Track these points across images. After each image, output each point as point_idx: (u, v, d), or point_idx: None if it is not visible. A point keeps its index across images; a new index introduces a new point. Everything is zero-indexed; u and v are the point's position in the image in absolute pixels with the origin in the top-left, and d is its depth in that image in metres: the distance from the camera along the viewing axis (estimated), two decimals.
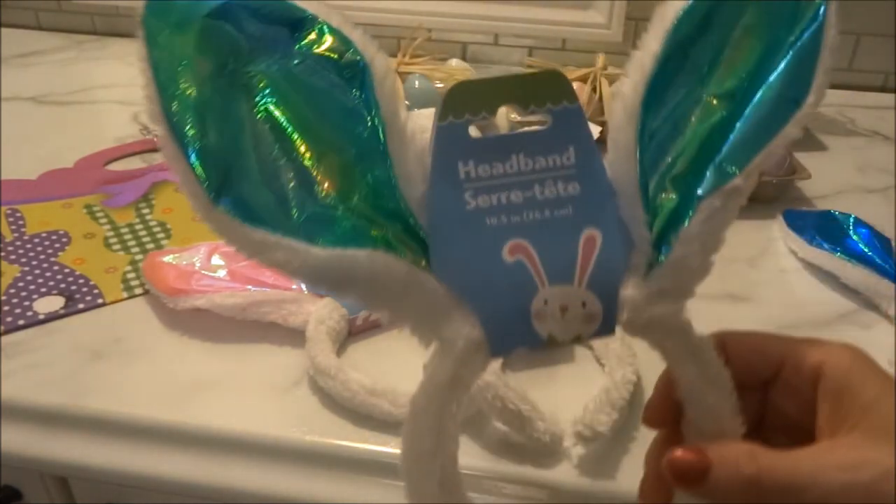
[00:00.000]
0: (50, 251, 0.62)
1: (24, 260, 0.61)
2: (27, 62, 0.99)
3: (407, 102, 0.79)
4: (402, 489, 0.46)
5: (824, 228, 0.62)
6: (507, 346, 0.29)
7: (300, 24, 0.28)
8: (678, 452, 0.27)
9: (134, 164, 0.76)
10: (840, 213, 0.63)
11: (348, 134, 0.29)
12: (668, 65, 0.29)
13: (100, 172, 0.74)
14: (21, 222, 0.66)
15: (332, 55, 0.28)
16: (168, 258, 0.57)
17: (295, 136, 0.28)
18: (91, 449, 0.48)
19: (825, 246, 0.60)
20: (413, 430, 0.30)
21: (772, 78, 0.29)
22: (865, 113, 0.89)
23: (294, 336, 0.52)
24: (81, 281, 0.59)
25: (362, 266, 0.28)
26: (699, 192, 0.29)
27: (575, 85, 0.80)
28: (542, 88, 0.28)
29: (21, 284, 0.58)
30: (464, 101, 0.28)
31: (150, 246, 0.63)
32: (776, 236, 0.66)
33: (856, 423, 0.27)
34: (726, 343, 0.31)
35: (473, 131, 0.29)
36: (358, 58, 0.28)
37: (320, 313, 0.52)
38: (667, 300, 0.30)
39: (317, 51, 0.28)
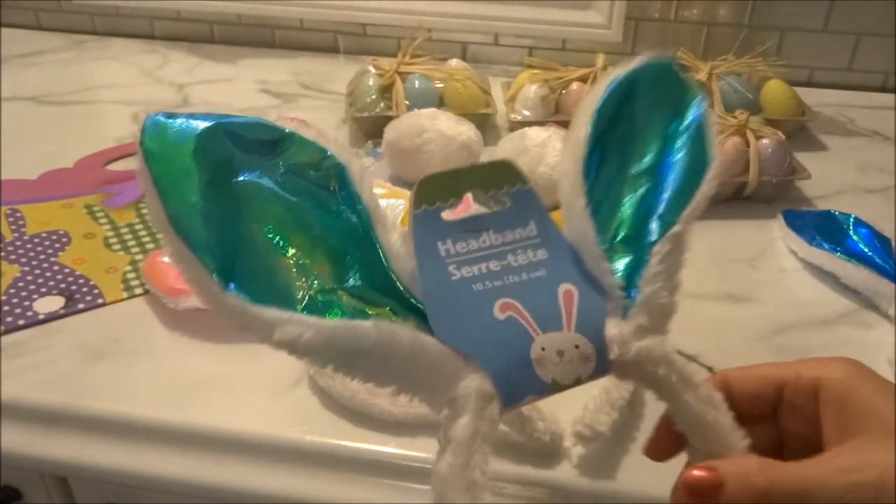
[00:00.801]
0: (50, 251, 0.62)
1: (24, 260, 0.61)
2: (27, 62, 0.99)
3: (407, 102, 0.79)
4: (401, 489, 0.46)
5: (824, 228, 0.62)
6: (518, 396, 0.31)
7: (280, 140, 0.32)
8: (692, 471, 0.29)
9: (134, 164, 0.76)
10: (840, 213, 0.63)
11: (335, 226, 0.32)
12: (596, 146, 0.36)
13: (100, 172, 0.74)
14: (21, 222, 0.66)
15: (311, 162, 0.32)
16: (167, 258, 0.57)
17: (287, 233, 0.32)
18: (91, 449, 0.48)
19: (825, 246, 0.60)
20: (439, 493, 0.30)
21: (678, 156, 0.36)
22: (865, 113, 0.89)
23: None
24: (81, 281, 0.59)
25: (369, 334, 0.30)
26: (650, 239, 0.34)
27: (574, 85, 0.80)
28: (498, 175, 0.33)
29: (21, 284, 0.58)
30: (433, 192, 0.32)
31: (150, 246, 0.63)
32: (776, 236, 0.66)
33: (858, 427, 0.28)
34: (729, 379, 0.33)
35: (447, 215, 0.32)
36: (335, 163, 0.32)
37: None
38: (647, 334, 0.33)
39: (297, 160, 0.32)
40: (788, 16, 0.92)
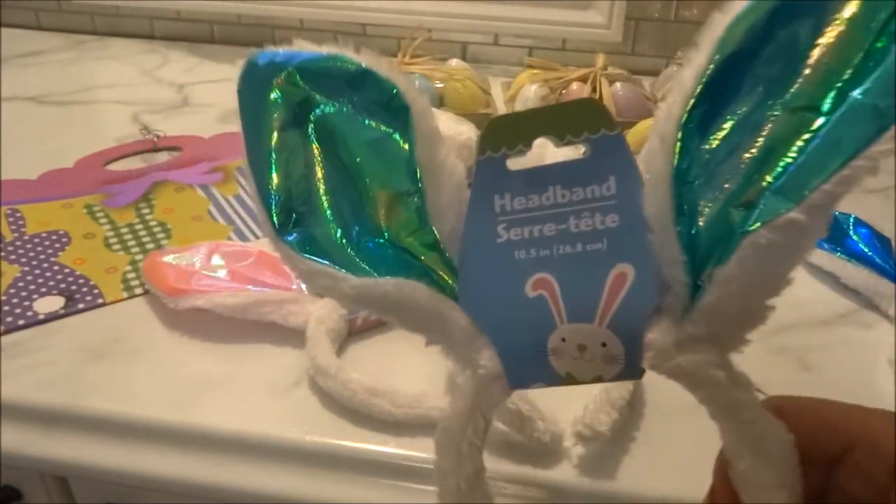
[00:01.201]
0: (50, 251, 0.62)
1: (24, 260, 0.61)
2: (27, 62, 0.99)
3: None
4: (400, 489, 0.46)
5: None
6: (525, 380, 0.29)
7: (356, 76, 0.31)
8: None
9: (134, 164, 0.76)
10: (840, 213, 0.63)
11: (396, 172, 0.31)
12: (722, 81, 0.26)
13: (100, 172, 0.74)
14: (21, 222, 0.66)
15: (382, 101, 0.31)
16: (168, 258, 0.57)
17: (354, 175, 0.32)
18: (91, 449, 0.48)
19: (825, 246, 0.60)
20: (437, 449, 0.32)
21: (858, 90, 0.23)
22: None
23: (294, 336, 0.52)
24: (81, 281, 0.59)
25: (389, 295, 0.30)
26: (747, 225, 0.24)
27: (574, 85, 0.80)
28: (578, 117, 0.27)
29: (21, 284, 0.58)
30: (500, 136, 0.28)
31: (150, 246, 0.63)
32: None
33: None
34: (784, 410, 0.27)
35: (513, 164, 0.28)
36: (402, 103, 0.30)
37: (320, 313, 0.52)
38: (699, 349, 0.27)
39: (370, 98, 0.31)
40: None
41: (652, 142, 0.26)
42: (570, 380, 0.28)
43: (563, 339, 0.28)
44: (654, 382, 0.42)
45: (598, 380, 0.28)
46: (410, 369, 0.51)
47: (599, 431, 0.43)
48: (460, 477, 0.32)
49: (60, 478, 0.54)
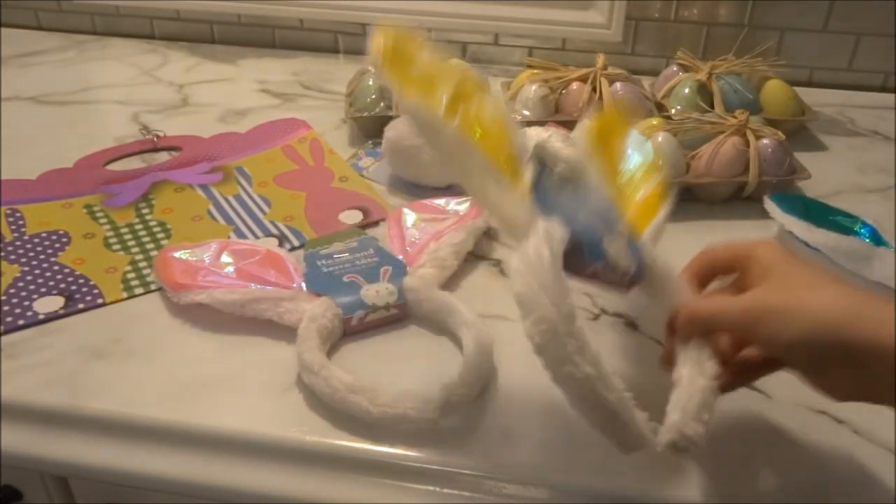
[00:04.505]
0: (50, 251, 0.62)
1: (24, 260, 0.61)
2: (27, 62, 0.99)
3: None
4: (400, 489, 0.46)
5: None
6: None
7: None
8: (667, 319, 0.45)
9: (134, 164, 0.76)
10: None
11: None
12: None
13: (100, 172, 0.74)
14: (21, 222, 0.66)
15: None
16: (179, 254, 0.57)
17: None
18: (91, 449, 0.48)
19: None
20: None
21: None
22: (865, 113, 0.89)
23: (293, 334, 0.52)
24: (81, 281, 0.59)
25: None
26: None
27: (574, 85, 0.80)
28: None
29: (21, 284, 0.58)
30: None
31: (150, 246, 0.63)
32: (776, 237, 0.66)
33: (761, 283, 0.41)
34: (712, 250, 0.47)
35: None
36: None
37: (314, 311, 0.52)
38: None
39: None
40: (788, 16, 0.92)
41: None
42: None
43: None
44: (654, 383, 0.42)
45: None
46: (404, 371, 0.51)
47: (695, 443, 0.40)
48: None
49: (60, 478, 0.54)
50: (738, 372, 0.45)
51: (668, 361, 0.44)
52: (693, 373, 0.42)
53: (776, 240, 0.43)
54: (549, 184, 0.46)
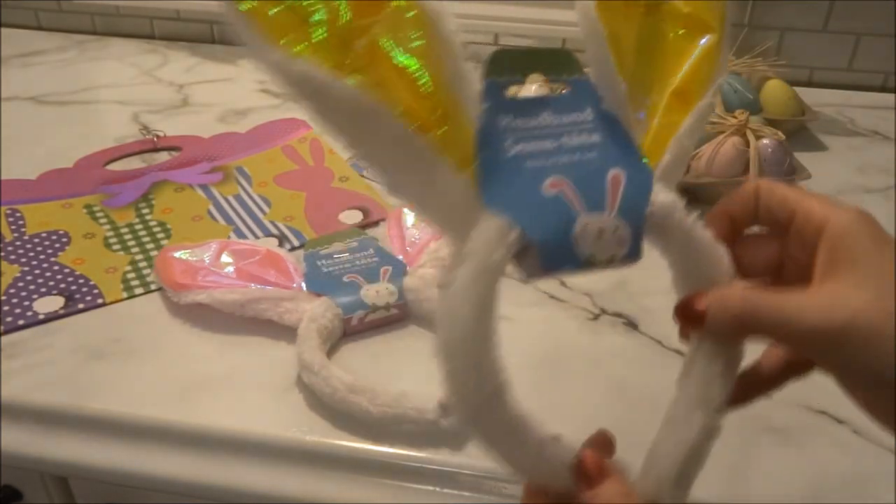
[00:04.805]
0: (50, 251, 0.62)
1: (24, 260, 0.61)
2: (27, 62, 0.99)
3: None
4: (400, 489, 0.46)
5: None
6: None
7: None
8: (684, 300, 0.33)
9: (134, 164, 0.76)
10: None
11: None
12: None
13: (100, 172, 0.74)
14: (21, 222, 0.66)
15: None
16: (179, 254, 0.57)
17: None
18: (91, 449, 0.48)
19: None
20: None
21: None
22: (865, 113, 0.89)
23: (292, 334, 0.52)
24: (81, 281, 0.59)
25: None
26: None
27: None
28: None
29: (21, 284, 0.58)
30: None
31: (150, 246, 0.63)
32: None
33: (843, 272, 0.30)
34: (759, 190, 0.34)
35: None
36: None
37: (314, 311, 0.52)
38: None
39: None
40: (788, 16, 0.92)
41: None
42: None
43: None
44: (654, 382, 0.42)
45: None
46: (403, 371, 0.51)
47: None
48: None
49: (60, 478, 0.54)
50: (754, 383, 0.35)
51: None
52: (692, 402, 0.34)
53: (859, 209, 0.31)
54: (511, 115, 0.33)
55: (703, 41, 0.36)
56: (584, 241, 0.32)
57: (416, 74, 0.30)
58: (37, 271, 0.60)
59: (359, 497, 0.46)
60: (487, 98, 0.32)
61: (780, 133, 0.71)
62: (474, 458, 0.45)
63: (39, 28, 1.09)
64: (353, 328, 0.54)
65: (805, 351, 0.31)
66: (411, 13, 0.30)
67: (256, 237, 0.64)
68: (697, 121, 0.36)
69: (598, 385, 0.49)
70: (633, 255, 0.33)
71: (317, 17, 0.29)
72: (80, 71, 0.97)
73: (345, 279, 0.56)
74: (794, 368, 0.35)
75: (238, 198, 0.70)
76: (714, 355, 0.33)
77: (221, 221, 0.67)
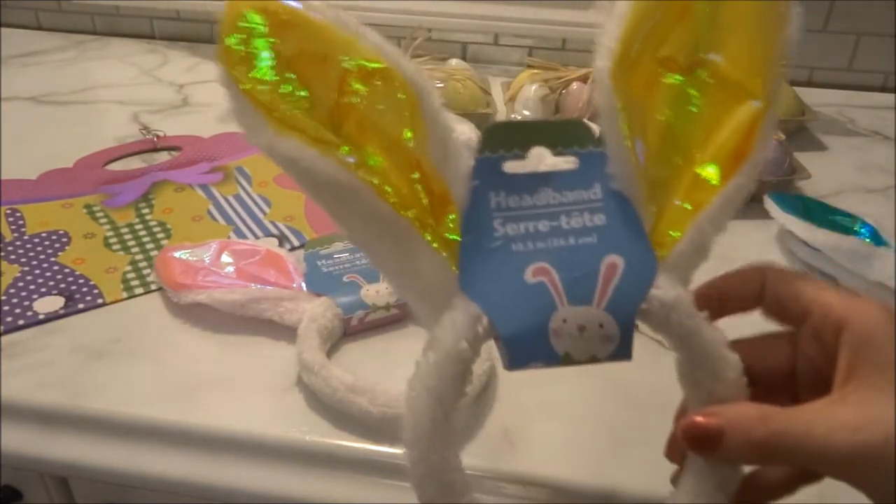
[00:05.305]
0: (50, 251, 0.62)
1: (24, 260, 0.61)
2: (27, 62, 0.99)
3: None
4: (400, 489, 0.46)
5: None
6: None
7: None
8: (693, 418, 0.28)
9: (134, 164, 0.76)
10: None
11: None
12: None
13: (100, 172, 0.74)
14: (21, 222, 0.66)
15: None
16: (179, 253, 0.57)
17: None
18: (91, 449, 0.48)
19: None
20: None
21: None
22: (865, 113, 0.89)
23: (292, 334, 0.52)
24: (81, 281, 0.59)
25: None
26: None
27: (574, 85, 0.80)
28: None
29: (21, 284, 0.58)
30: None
31: (150, 246, 0.63)
32: (776, 237, 0.66)
33: (871, 378, 0.26)
34: (766, 276, 0.31)
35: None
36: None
37: (314, 311, 0.52)
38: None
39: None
40: None
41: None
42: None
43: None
44: (653, 383, 0.42)
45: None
46: (403, 371, 0.51)
47: None
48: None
49: (60, 478, 0.54)
50: (759, 490, 0.32)
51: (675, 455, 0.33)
52: None
53: (882, 305, 0.28)
54: (504, 193, 0.31)
55: (746, 110, 0.31)
56: (561, 336, 0.29)
57: (402, 152, 0.30)
58: (37, 271, 0.60)
59: (359, 497, 0.46)
60: (478, 175, 0.30)
61: (779, 133, 0.71)
62: (474, 457, 0.45)
63: (39, 28, 1.09)
64: (353, 328, 0.54)
65: (835, 475, 0.27)
66: (399, 94, 0.30)
67: (256, 237, 0.64)
68: (726, 203, 0.31)
69: (598, 385, 0.49)
70: (622, 354, 0.30)
71: (304, 92, 0.29)
72: (80, 71, 0.97)
73: (345, 279, 0.56)
74: (806, 477, 0.31)
75: (238, 198, 0.70)
76: (709, 472, 0.30)
77: (221, 221, 0.67)
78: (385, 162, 0.30)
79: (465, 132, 0.70)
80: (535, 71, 0.84)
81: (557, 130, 0.31)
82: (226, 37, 0.28)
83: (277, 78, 0.28)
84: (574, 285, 0.30)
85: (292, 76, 0.29)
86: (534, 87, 0.80)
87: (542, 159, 0.31)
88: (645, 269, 0.30)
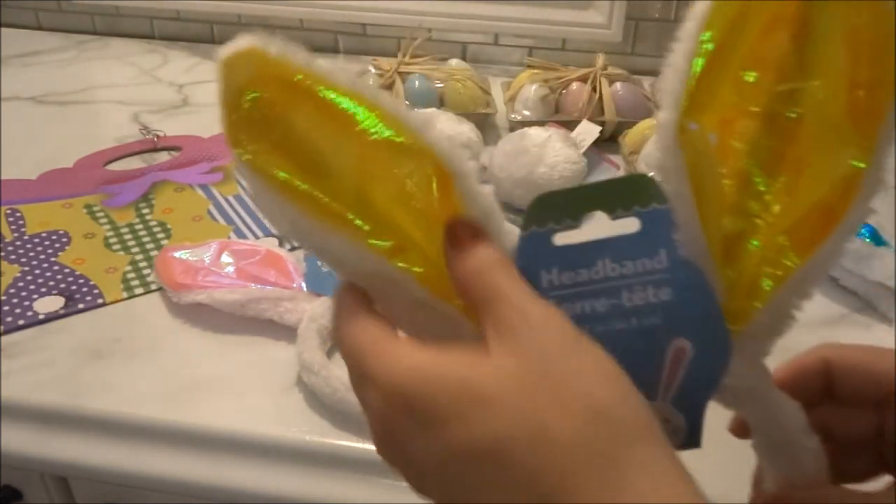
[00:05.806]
0: (50, 251, 0.62)
1: (24, 260, 0.61)
2: (27, 62, 0.99)
3: (407, 102, 0.79)
4: (400, 489, 0.46)
5: None
6: None
7: None
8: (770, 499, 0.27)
9: (134, 164, 0.76)
10: None
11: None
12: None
13: (100, 172, 0.74)
14: (21, 222, 0.66)
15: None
16: (179, 253, 0.57)
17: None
18: (91, 449, 0.48)
19: None
20: None
21: None
22: None
23: (292, 334, 0.52)
24: (81, 281, 0.59)
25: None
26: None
27: (574, 85, 0.80)
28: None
29: (21, 284, 0.58)
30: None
31: (150, 246, 0.63)
32: None
33: None
34: (831, 362, 0.29)
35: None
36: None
37: (314, 311, 0.52)
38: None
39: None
40: None
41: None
42: None
43: None
44: None
45: None
46: None
47: None
48: None
49: (60, 478, 0.54)
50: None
51: None
52: None
53: None
54: (557, 269, 0.27)
55: (844, 168, 0.26)
56: None
57: (439, 232, 0.26)
58: (37, 271, 0.60)
59: (359, 497, 0.46)
60: (525, 253, 0.27)
61: None
62: None
63: (39, 28, 1.09)
64: None
65: None
66: (433, 180, 0.26)
67: (256, 237, 0.64)
68: (815, 270, 0.26)
69: None
70: (690, 445, 0.27)
71: (323, 168, 0.26)
72: (80, 71, 0.97)
73: None
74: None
75: (238, 198, 0.70)
76: None
77: (221, 221, 0.67)
78: (423, 242, 0.27)
79: (465, 132, 0.70)
80: (535, 71, 0.84)
81: (613, 190, 0.27)
82: (230, 113, 0.25)
83: (294, 155, 0.26)
84: (635, 377, 0.25)
85: (310, 150, 0.26)
86: (534, 87, 0.80)
87: (598, 226, 0.28)
88: (717, 355, 0.27)
